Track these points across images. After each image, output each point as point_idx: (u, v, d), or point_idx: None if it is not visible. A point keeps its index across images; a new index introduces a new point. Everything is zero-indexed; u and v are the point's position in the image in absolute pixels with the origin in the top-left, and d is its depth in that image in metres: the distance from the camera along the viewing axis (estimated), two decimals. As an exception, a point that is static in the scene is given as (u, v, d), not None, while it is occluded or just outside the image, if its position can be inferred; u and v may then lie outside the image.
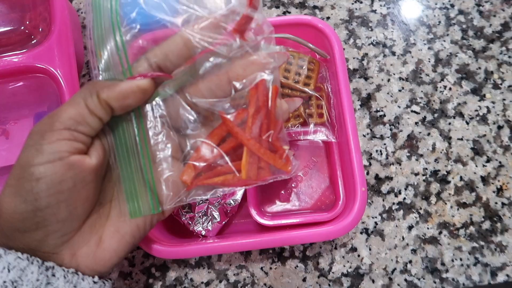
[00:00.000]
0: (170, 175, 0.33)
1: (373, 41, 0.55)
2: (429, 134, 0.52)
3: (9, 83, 0.45)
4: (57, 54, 0.43)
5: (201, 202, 0.46)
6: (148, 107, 0.32)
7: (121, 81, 0.29)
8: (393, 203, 0.50)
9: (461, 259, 0.48)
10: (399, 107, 0.53)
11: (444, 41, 0.55)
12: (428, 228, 0.49)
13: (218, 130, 0.35)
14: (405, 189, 0.51)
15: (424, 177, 0.51)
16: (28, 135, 0.29)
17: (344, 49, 0.55)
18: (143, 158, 0.32)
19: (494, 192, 0.50)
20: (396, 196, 0.51)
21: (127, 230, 0.32)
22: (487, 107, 0.53)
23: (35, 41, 0.47)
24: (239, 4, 0.33)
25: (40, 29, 0.48)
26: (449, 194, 0.50)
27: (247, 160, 0.34)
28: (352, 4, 0.57)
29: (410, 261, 0.48)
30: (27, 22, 0.47)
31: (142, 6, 0.32)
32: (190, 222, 0.46)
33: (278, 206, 0.46)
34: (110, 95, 0.28)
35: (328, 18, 0.56)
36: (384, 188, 0.51)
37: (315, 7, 0.57)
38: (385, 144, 0.52)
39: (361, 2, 0.57)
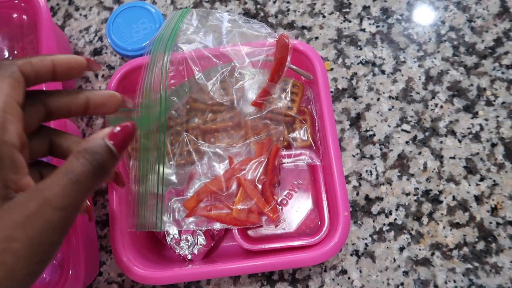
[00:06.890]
0: (175, 201, 0.44)
1: (362, 60, 0.55)
2: (420, 153, 0.51)
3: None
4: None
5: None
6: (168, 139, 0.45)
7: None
8: (384, 224, 0.49)
9: (454, 281, 0.47)
10: (389, 126, 0.53)
11: (435, 58, 0.55)
12: (420, 249, 0.48)
13: (225, 173, 0.44)
14: (396, 209, 0.50)
15: (415, 197, 0.50)
16: None
17: (332, 69, 0.55)
18: (157, 182, 0.41)
19: (488, 211, 0.49)
20: (387, 217, 0.50)
21: None
22: (480, 125, 0.52)
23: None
24: (262, 79, 0.43)
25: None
26: (442, 214, 0.49)
27: (239, 199, 0.42)
28: (341, 23, 0.57)
29: (402, 283, 0.47)
30: (15, 52, 0.49)
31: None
32: (176, 246, 0.46)
33: (263, 230, 0.46)
34: None
35: (316, 38, 0.56)
36: (375, 209, 0.50)
37: (303, 27, 0.57)
38: (375, 164, 0.51)
39: (350, 21, 0.57)
